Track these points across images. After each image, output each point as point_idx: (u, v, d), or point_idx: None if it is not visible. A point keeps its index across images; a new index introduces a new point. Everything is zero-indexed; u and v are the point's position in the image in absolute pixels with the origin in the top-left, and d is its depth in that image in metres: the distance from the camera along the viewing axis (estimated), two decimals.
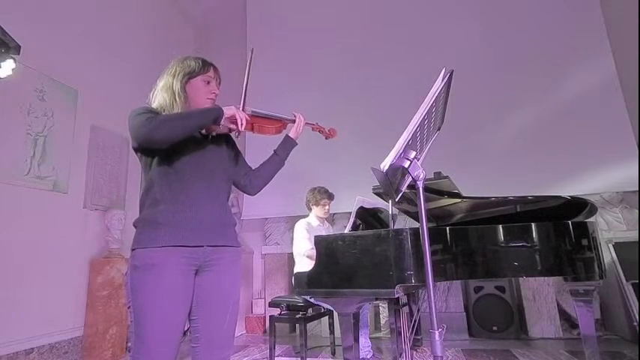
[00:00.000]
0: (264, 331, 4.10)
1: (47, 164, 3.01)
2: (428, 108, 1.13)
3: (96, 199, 3.45)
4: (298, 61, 4.75)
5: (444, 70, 1.17)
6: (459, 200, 1.84)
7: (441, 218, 2.12)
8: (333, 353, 3.10)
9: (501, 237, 1.71)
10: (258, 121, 1.40)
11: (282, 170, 1.52)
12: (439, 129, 1.42)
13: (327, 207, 2.99)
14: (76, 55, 3.37)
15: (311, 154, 3.63)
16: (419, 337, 2.79)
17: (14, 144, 2.79)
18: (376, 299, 1.86)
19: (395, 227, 1.98)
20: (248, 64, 1.32)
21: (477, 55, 4.03)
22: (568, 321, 3.40)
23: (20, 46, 2.09)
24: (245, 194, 1.50)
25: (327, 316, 3.15)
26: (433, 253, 1.59)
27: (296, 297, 2.69)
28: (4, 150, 2.71)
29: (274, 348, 2.68)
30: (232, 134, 1.33)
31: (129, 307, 1.21)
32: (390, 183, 1.11)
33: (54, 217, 3.02)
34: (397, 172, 1.12)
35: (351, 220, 2.30)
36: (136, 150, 1.24)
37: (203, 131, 1.27)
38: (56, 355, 2.91)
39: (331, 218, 3.46)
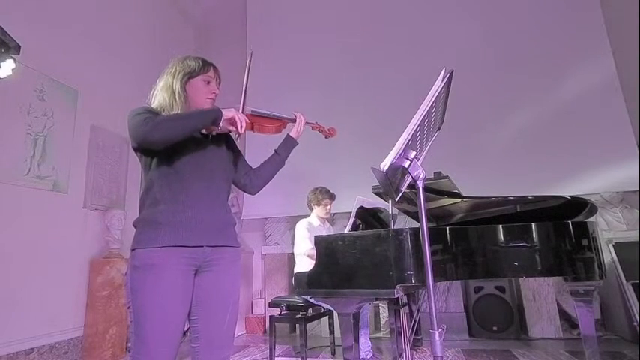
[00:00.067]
0: (264, 331, 4.10)
1: (47, 164, 3.01)
2: (428, 108, 1.13)
3: (96, 199, 3.45)
4: (298, 61, 4.75)
5: (444, 70, 1.17)
6: (459, 200, 1.84)
7: (441, 218, 2.12)
8: (333, 353, 3.10)
9: (501, 237, 1.71)
10: (258, 121, 1.40)
11: (282, 170, 1.52)
12: (439, 129, 1.42)
13: (328, 207, 3.00)
14: (76, 55, 3.37)
15: (311, 154, 3.63)
16: (419, 337, 2.79)
17: (14, 144, 2.79)
18: (376, 299, 1.86)
19: (395, 227, 1.98)
20: (247, 66, 1.32)
21: (476, 55, 4.03)
22: (568, 321, 3.40)
23: (20, 46, 2.09)
24: (245, 194, 1.50)
25: (327, 316, 3.15)
26: (433, 253, 1.59)
27: (296, 297, 2.69)
28: (4, 150, 2.71)
29: (274, 348, 2.68)
30: (232, 135, 1.33)
31: (129, 307, 1.21)
32: (390, 183, 1.11)
33: (54, 217, 3.02)
34: (397, 172, 1.12)
35: (351, 220, 2.30)
36: (135, 150, 1.24)
37: (203, 131, 1.27)
38: (56, 355, 2.91)
39: (331, 218, 3.46)
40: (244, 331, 4.16)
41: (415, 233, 1.54)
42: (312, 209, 3.03)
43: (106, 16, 3.79)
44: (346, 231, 2.24)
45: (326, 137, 1.65)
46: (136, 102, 1.27)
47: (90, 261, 3.28)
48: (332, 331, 3.12)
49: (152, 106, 1.28)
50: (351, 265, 1.61)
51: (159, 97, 1.29)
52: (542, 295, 3.42)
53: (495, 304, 3.41)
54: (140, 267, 1.14)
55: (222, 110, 1.22)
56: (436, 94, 1.14)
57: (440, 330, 1.02)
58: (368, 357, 2.75)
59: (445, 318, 3.43)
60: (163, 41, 4.55)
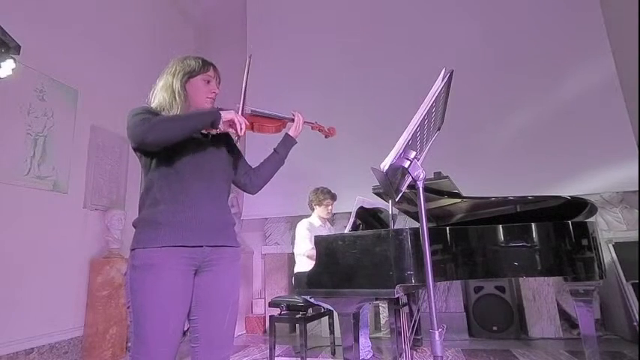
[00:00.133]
0: (264, 331, 4.10)
1: (47, 164, 3.01)
2: (428, 108, 1.13)
3: (96, 199, 3.45)
4: (298, 61, 4.75)
5: (444, 70, 1.17)
6: (459, 200, 1.84)
7: (441, 218, 2.12)
8: (333, 353, 3.10)
9: (501, 237, 1.71)
10: (258, 120, 1.40)
11: (282, 170, 1.52)
12: (439, 129, 1.42)
13: (329, 207, 3.00)
14: (76, 55, 3.37)
15: (311, 154, 3.64)
16: (419, 337, 2.79)
17: (14, 144, 2.79)
18: (376, 299, 1.86)
19: (395, 227, 1.98)
20: (246, 69, 1.32)
21: (476, 55, 4.03)
22: (568, 321, 3.40)
23: (20, 46, 2.09)
24: (245, 194, 1.50)
25: (327, 316, 3.15)
26: (433, 253, 1.59)
27: (296, 297, 2.69)
28: (4, 150, 2.71)
29: (274, 348, 2.68)
30: (232, 136, 1.33)
31: (128, 307, 1.20)
32: (390, 183, 1.11)
33: (54, 217, 3.02)
34: (397, 172, 1.12)
35: (351, 220, 2.30)
36: (135, 150, 1.23)
37: (203, 131, 1.27)
38: (56, 355, 2.91)
39: (331, 218, 3.46)
40: (244, 331, 4.16)
41: (415, 233, 1.54)
42: (313, 209, 3.03)
43: (106, 16, 3.79)
44: (346, 231, 2.24)
45: (326, 137, 1.65)
46: (136, 102, 1.27)
47: (90, 261, 3.28)
48: (332, 331, 3.12)
49: (152, 105, 1.28)
50: (351, 265, 1.61)
51: (159, 96, 1.29)
52: (542, 295, 3.42)
53: (495, 304, 3.41)
54: (140, 267, 1.14)
55: (221, 112, 1.21)
56: (436, 94, 1.14)
57: (440, 330, 1.01)
58: (368, 357, 2.74)
59: (445, 318, 3.43)
60: (163, 41, 4.55)
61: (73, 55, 3.34)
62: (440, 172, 1.70)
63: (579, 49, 3.74)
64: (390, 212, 2.11)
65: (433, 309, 1.02)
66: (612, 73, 3.59)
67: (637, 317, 2.81)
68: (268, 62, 4.74)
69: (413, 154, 1.09)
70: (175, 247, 1.15)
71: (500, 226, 1.72)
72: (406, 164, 1.08)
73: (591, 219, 1.89)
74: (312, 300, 2.15)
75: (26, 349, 2.70)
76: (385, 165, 1.06)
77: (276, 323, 2.72)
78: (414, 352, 2.84)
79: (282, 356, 3.10)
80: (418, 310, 2.39)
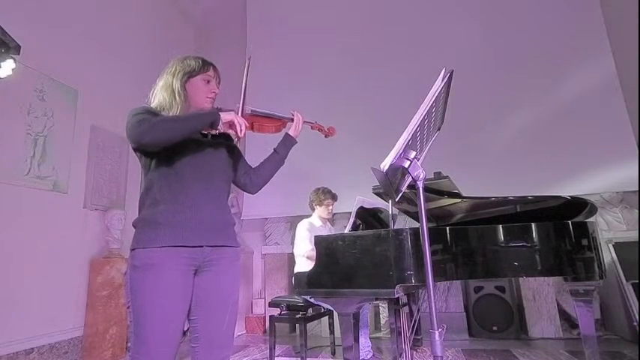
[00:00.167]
0: (264, 331, 4.10)
1: (47, 164, 3.01)
2: (428, 108, 1.13)
3: (96, 199, 3.45)
4: (298, 61, 4.75)
5: (444, 70, 1.17)
6: (459, 200, 1.84)
7: (441, 218, 2.12)
8: (333, 353, 3.10)
9: (501, 237, 1.71)
10: (258, 120, 1.41)
11: (282, 170, 1.52)
12: (439, 129, 1.42)
13: (330, 207, 3.00)
14: (76, 55, 3.37)
15: (311, 154, 3.64)
16: (419, 337, 2.79)
17: (14, 144, 2.79)
18: (376, 299, 1.86)
19: (395, 227, 1.98)
20: (246, 71, 1.32)
21: (477, 55, 4.03)
22: (568, 321, 3.40)
23: (20, 46, 2.09)
24: (245, 194, 1.50)
25: (327, 316, 3.15)
26: (433, 253, 1.59)
27: (296, 297, 2.69)
28: (4, 150, 2.71)
29: (274, 348, 2.68)
30: (232, 136, 1.32)
31: (128, 307, 1.20)
32: (390, 183, 1.11)
33: (54, 217, 3.02)
34: (397, 172, 1.12)
35: (351, 220, 2.30)
36: (135, 150, 1.24)
37: (203, 131, 1.27)
38: (56, 355, 2.91)
39: (332, 218, 3.46)
40: (244, 331, 4.16)
41: (415, 233, 1.54)
42: (314, 209, 3.02)
43: (106, 16, 3.79)
44: (346, 231, 2.24)
45: (325, 136, 1.65)
46: (136, 102, 1.27)
47: (90, 261, 3.28)
48: (332, 331, 3.12)
49: (152, 105, 1.28)
50: (351, 265, 1.61)
51: (159, 96, 1.29)
52: (542, 295, 3.42)
53: (495, 304, 3.41)
54: (140, 267, 1.14)
55: (220, 113, 1.21)
56: (436, 94, 1.14)
57: (440, 330, 1.01)
58: (368, 357, 2.74)
59: (445, 318, 3.43)
60: (163, 41, 4.55)
61: (73, 55, 3.34)
62: (440, 172, 1.70)
63: (579, 49, 3.74)
64: (390, 212, 2.11)
65: (433, 309, 1.02)
66: (612, 73, 3.59)
67: (637, 317, 2.81)
68: (268, 62, 4.74)
69: (413, 154, 1.09)
70: (175, 247, 1.15)
71: (500, 226, 1.73)
72: (406, 164, 1.08)
73: (591, 219, 1.89)
74: (312, 300, 2.15)
75: (26, 349, 2.70)
76: (385, 165, 1.06)
77: (276, 323, 2.72)
78: (414, 352, 2.84)
79: (282, 356, 3.10)
80: (418, 310, 2.39)
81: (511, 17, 4.05)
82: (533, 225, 1.70)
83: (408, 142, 1.08)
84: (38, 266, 2.85)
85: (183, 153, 1.22)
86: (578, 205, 1.85)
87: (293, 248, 2.96)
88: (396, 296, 1.54)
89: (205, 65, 1.33)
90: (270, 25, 5.03)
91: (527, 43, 3.92)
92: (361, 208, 2.34)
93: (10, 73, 2.16)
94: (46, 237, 2.94)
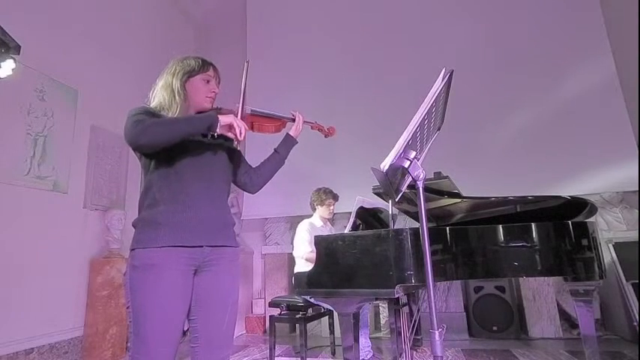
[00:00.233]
0: (264, 331, 4.10)
1: (47, 164, 3.01)
2: (428, 108, 1.13)
3: (96, 199, 3.45)
4: (298, 61, 4.75)
5: (444, 70, 1.17)
6: (459, 200, 1.84)
7: (441, 218, 2.12)
8: (333, 353, 3.10)
9: (501, 237, 1.71)
10: (258, 120, 1.41)
11: (283, 170, 1.52)
12: (439, 129, 1.42)
13: (331, 207, 2.99)
14: (76, 55, 3.37)
15: (311, 154, 3.64)
16: (419, 337, 2.79)
17: (14, 144, 2.79)
18: (376, 299, 1.86)
19: (395, 227, 1.98)
20: (244, 75, 1.31)
21: (477, 55, 4.03)
22: (568, 321, 3.40)
23: (20, 46, 2.09)
24: (245, 194, 1.50)
25: (327, 316, 3.15)
26: (433, 253, 1.59)
27: (296, 297, 2.69)
28: (4, 150, 2.71)
29: (274, 348, 2.68)
30: (231, 138, 1.30)
31: (128, 307, 1.20)
32: (390, 183, 1.11)
33: (54, 217, 3.02)
34: (397, 172, 1.12)
35: (351, 220, 2.30)
36: (134, 150, 1.23)
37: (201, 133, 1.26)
38: (56, 355, 2.91)
39: (332, 218, 3.46)
40: (244, 331, 4.16)
41: (415, 233, 1.54)
42: (315, 209, 3.02)
43: (106, 16, 3.79)
44: (346, 231, 2.23)
45: (325, 136, 1.65)
46: (136, 102, 1.27)
47: (90, 261, 3.28)
48: (332, 331, 3.12)
49: (152, 105, 1.28)
50: (351, 265, 1.61)
51: (158, 96, 1.29)
52: (542, 295, 3.42)
53: (495, 304, 3.41)
54: (140, 267, 1.14)
55: (219, 116, 1.19)
56: (436, 94, 1.14)
57: (440, 330, 1.01)
58: (368, 357, 2.74)
59: (445, 318, 3.43)
60: (163, 41, 4.56)
61: (73, 55, 3.34)
62: (440, 172, 1.70)
63: (579, 49, 3.74)
64: (390, 212, 2.11)
65: (433, 309, 1.02)
66: (612, 73, 3.59)
67: (637, 317, 2.81)
68: (268, 62, 4.74)
69: (413, 154, 1.09)
70: (175, 247, 1.15)
71: (500, 226, 1.73)
72: (406, 164, 1.08)
73: (591, 219, 1.89)
74: (312, 300, 2.15)
75: (26, 349, 2.70)
76: (385, 165, 1.06)
77: (276, 323, 2.72)
78: (414, 352, 2.84)
79: (282, 356, 3.10)
80: (418, 310, 2.39)
81: (511, 17, 4.05)
82: (533, 225, 1.70)
83: (408, 142, 1.08)
84: (38, 266, 2.85)
85: (183, 153, 1.22)
86: (578, 205, 1.85)
87: (292, 249, 2.96)
88: (396, 296, 1.54)
89: (205, 65, 1.33)
90: (270, 25, 5.03)
91: (527, 43, 3.92)
92: (361, 208, 2.34)
93: (10, 73, 2.16)
94: (46, 237, 2.94)
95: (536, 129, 3.72)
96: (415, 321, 2.33)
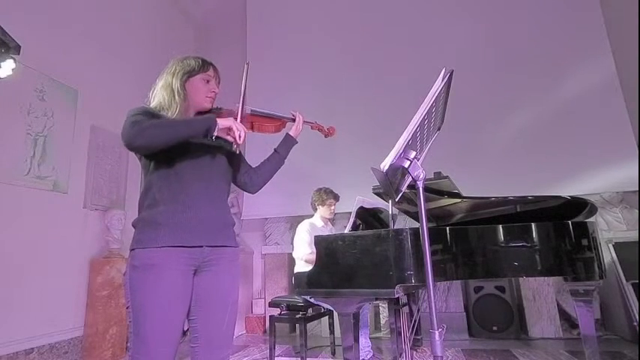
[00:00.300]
0: (264, 331, 4.10)
1: (47, 164, 3.01)
2: (428, 108, 1.13)
3: (96, 199, 3.45)
4: (298, 61, 4.75)
5: (444, 70, 1.17)
6: (459, 200, 1.84)
7: (441, 218, 2.12)
8: (333, 353, 3.10)
9: (501, 237, 1.71)
10: (258, 120, 1.41)
11: (283, 170, 1.52)
12: (439, 129, 1.42)
13: (332, 207, 2.99)
14: (76, 55, 3.37)
15: (311, 154, 3.64)
16: (419, 337, 2.79)
17: (14, 144, 2.79)
18: (376, 299, 1.86)
19: (395, 227, 1.98)
20: (244, 77, 1.31)
21: (477, 55, 4.03)
22: (568, 321, 3.40)
23: (20, 46, 2.09)
24: (245, 194, 1.49)
25: (327, 316, 3.15)
26: (433, 253, 1.59)
27: (296, 297, 2.69)
28: (4, 150, 2.71)
29: (274, 348, 2.68)
30: (231, 146, 1.26)
31: (128, 307, 1.20)
32: (390, 183, 1.11)
33: (54, 217, 3.02)
34: (397, 172, 1.12)
35: (351, 220, 2.30)
36: None
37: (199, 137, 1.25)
38: (56, 355, 2.91)
39: (333, 218, 3.46)
40: (244, 331, 4.16)
41: (415, 233, 1.54)
42: (316, 209, 3.02)
43: (106, 16, 3.79)
44: (346, 231, 2.23)
45: (325, 136, 1.65)
46: (136, 102, 1.27)
47: (90, 261, 3.28)
48: (332, 331, 3.12)
49: (151, 105, 1.28)
50: (351, 265, 1.61)
51: (158, 96, 1.29)
52: (542, 295, 3.42)
53: (495, 304, 3.41)
54: (140, 267, 1.14)
55: (218, 120, 1.18)
56: (436, 94, 1.14)
57: (440, 330, 1.01)
58: (368, 357, 2.74)
59: (445, 318, 3.43)
60: (164, 41, 4.56)
61: (73, 55, 3.34)
62: (440, 172, 1.70)
63: (579, 49, 3.74)
64: (390, 212, 2.11)
65: (433, 309, 1.02)
66: (612, 73, 3.59)
67: (637, 317, 2.81)
68: (268, 62, 4.74)
69: (413, 154, 1.09)
70: (175, 248, 1.15)
71: (500, 226, 1.73)
72: (406, 164, 1.08)
73: (591, 219, 1.89)
74: (312, 300, 2.15)
75: (26, 349, 2.70)
76: (385, 165, 1.06)
77: (276, 323, 2.72)
78: (414, 352, 2.84)
79: (282, 356, 3.10)
80: (418, 310, 2.39)
81: (511, 17, 4.05)
82: (533, 225, 1.70)
83: (408, 142, 1.08)
84: (38, 266, 2.85)
85: (184, 154, 1.22)
86: (578, 205, 1.84)
87: (292, 249, 2.96)
88: (396, 296, 1.54)
89: (205, 65, 1.33)
90: (270, 25, 5.03)
91: (527, 43, 3.92)
92: (361, 208, 2.34)
93: (10, 73, 2.16)
94: (46, 237, 2.94)
95: (536, 129, 3.72)
96: (415, 321, 2.33)
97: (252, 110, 1.39)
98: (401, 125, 1.11)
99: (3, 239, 2.63)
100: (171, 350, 1.12)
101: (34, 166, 2.90)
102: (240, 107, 1.30)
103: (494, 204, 1.87)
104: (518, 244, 1.68)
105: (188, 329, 1.22)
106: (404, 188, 1.20)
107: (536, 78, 3.81)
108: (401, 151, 1.07)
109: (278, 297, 2.94)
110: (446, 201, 1.87)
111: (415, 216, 2.24)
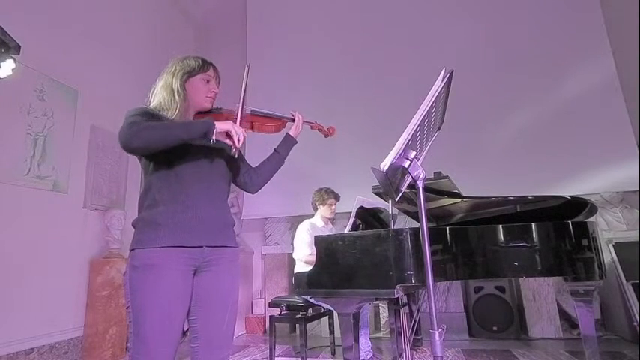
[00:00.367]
0: (264, 331, 4.10)
1: (47, 164, 3.01)
2: (428, 108, 1.13)
3: (96, 199, 3.45)
4: (298, 61, 4.75)
5: (443, 70, 1.17)
6: (459, 200, 1.84)
7: (441, 218, 2.12)
8: (333, 353, 3.10)
9: (501, 237, 1.71)
10: (258, 120, 1.41)
11: (282, 170, 1.52)
12: (439, 129, 1.42)
13: (333, 207, 2.99)
14: (76, 55, 3.37)
15: (311, 154, 3.64)
16: (419, 337, 2.79)
17: (14, 144, 2.79)
18: (376, 299, 1.86)
19: (395, 227, 1.98)
20: (245, 78, 1.31)
21: (477, 55, 4.03)
22: (568, 321, 3.40)
23: (20, 46, 2.09)
24: (245, 194, 1.49)
25: (327, 316, 3.15)
26: (433, 253, 1.59)
27: (296, 297, 2.69)
28: (4, 150, 2.71)
29: (274, 348, 2.68)
30: (229, 149, 1.25)
31: (127, 308, 1.20)
32: (390, 183, 1.11)
33: (54, 217, 3.02)
34: (397, 172, 1.12)
35: (351, 220, 2.30)
36: None
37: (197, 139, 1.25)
38: (56, 355, 2.91)
39: (333, 218, 3.46)
40: (244, 331, 4.16)
41: (415, 233, 1.54)
42: (316, 209, 3.02)
43: (106, 16, 3.79)
44: (346, 231, 2.23)
45: (325, 136, 1.64)
46: (136, 102, 1.27)
47: (90, 261, 3.28)
48: (332, 331, 3.12)
49: (151, 105, 1.28)
50: (351, 265, 1.61)
51: (158, 96, 1.28)
52: (542, 295, 3.42)
53: (495, 304, 3.41)
54: (139, 267, 1.13)
55: (216, 123, 1.17)
56: (436, 94, 1.14)
57: (440, 330, 1.01)
58: (368, 357, 2.74)
59: (445, 318, 3.43)
60: (164, 41, 4.56)
61: (73, 55, 3.34)
62: (440, 172, 1.70)
63: (579, 49, 3.74)
64: (390, 212, 2.11)
65: (433, 309, 1.01)
66: (612, 73, 3.59)
67: (637, 317, 2.81)
68: (268, 62, 4.75)
69: (413, 154, 1.09)
70: (175, 248, 1.15)
71: (500, 226, 1.73)
72: (406, 164, 1.08)
73: (591, 219, 1.89)
74: (312, 300, 2.15)
75: (26, 349, 2.70)
76: (385, 165, 1.06)
77: (276, 323, 2.72)
78: (414, 352, 2.84)
79: (282, 356, 3.10)
80: (418, 310, 2.39)
81: (511, 17, 4.05)
82: (533, 225, 1.70)
83: (408, 142, 1.08)
84: (38, 266, 2.85)
85: (183, 155, 1.22)
86: (578, 205, 1.84)
87: (292, 249, 2.95)
88: (396, 296, 1.54)
89: (205, 65, 1.33)
90: (270, 25, 5.03)
91: (527, 43, 3.92)
92: (361, 208, 2.34)
93: (10, 73, 2.16)
94: (46, 237, 2.94)
95: (536, 129, 3.72)
96: (415, 321, 2.33)
97: (252, 110, 1.39)
98: (401, 125, 1.11)
99: (3, 239, 2.63)
100: (171, 350, 1.12)
101: (34, 166, 2.90)
102: (240, 108, 1.30)
103: (494, 204, 1.87)
104: (518, 244, 1.68)
105: (188, 329, 1.22)
106: (404, 188, 1.20)
107: (536, 78, 3.81)
108: (401, 151, 1.07)
109: (278, 297, 2.94)
110: (446, 201, 1.87)
111: (415, 216, 2.24)
